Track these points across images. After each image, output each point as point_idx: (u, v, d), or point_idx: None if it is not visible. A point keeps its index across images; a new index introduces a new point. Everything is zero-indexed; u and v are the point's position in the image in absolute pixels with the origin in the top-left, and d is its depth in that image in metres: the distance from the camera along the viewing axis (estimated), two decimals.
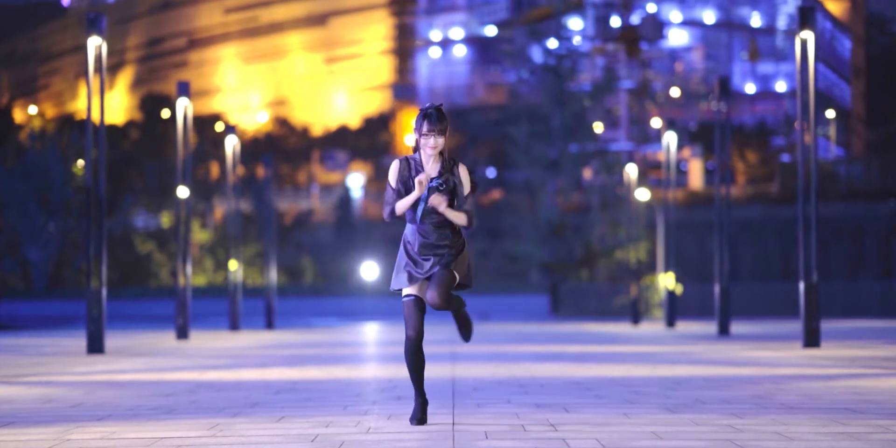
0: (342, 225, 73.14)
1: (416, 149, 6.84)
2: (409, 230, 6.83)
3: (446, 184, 6.73)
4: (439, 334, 23.57)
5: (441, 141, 6.75)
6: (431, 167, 6.79)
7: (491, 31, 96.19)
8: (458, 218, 6.75)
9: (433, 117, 6.73)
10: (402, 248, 6.87)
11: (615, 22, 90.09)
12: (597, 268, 52.67)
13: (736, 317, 37.83)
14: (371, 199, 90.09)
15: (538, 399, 8.51)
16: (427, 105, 6.81)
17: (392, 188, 6.81)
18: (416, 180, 6.68)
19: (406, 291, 6.80)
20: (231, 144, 30.36)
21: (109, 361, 14.64)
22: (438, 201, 6.66)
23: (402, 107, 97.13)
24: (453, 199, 6.79)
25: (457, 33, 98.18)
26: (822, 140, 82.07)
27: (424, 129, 6.73)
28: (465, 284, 6.88)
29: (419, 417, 6.83)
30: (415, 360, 6.77)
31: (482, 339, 20.24)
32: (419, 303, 6.76)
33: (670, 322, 29.74)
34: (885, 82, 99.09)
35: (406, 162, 6.82)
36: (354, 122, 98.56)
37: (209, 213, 68.31)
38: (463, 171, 6.86)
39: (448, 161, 6.82)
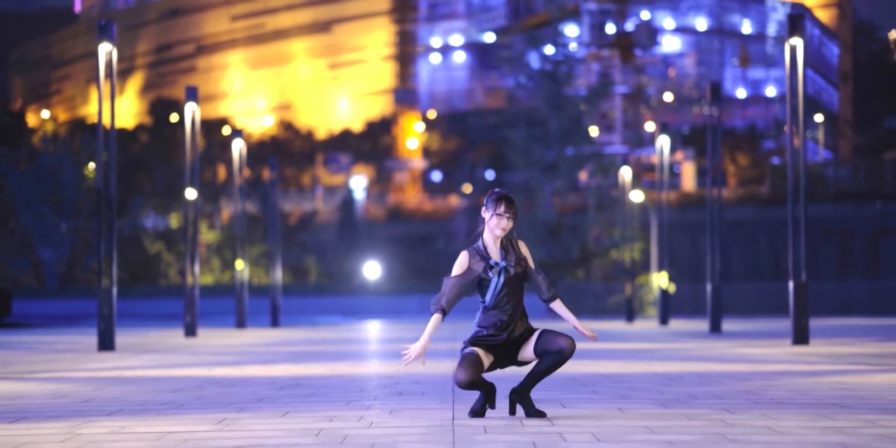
0: (345, 225, 73.10)
1: (479, 235, 6.77)
2: (483, 318, 6.72)
3: (516, 260, 6.69)
4: (438, 332, 23.55)
5: (511, 225, 6.72)
6: (494, 251, 6.72)
7: (490, 37, 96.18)
8: (562, 310, 6.78)
9: (512, 201, 6.71)
10: (474, 334, 6.73)
11: (610, 29, 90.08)
12: (593, 267, 52.68)
13: (727, 315, 37.84)
14: (373, 200, 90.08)
15: (535, 394, 8.50)
16: (497, 190, 6.75)
17: (450, 277, 6.69)
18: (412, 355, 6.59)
19: (473, 348, 6.71)
20: (237, 147, 30.36)
21: (119, 358, 14.64)
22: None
23: (404, 111, 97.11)
24: (524, 278, 6.73)
25: (456, 40, 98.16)
26: (810, 143, 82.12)
27: (501, 209, 6.68)
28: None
29: (480, 411, 6.85)
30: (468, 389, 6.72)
31: None
32: (479, 359, 6.64)
33: (664, 320, 29.75)
34: (872, 87, 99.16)
35: (474, 251, 6.73)
36: (357, 125, 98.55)
37: (216, 214, 68.29)
38: (523, 247, 6.81)
39: (506, 241, 6.77)
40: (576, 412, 7.17)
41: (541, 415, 6.77)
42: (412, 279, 62.38)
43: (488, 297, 6.67)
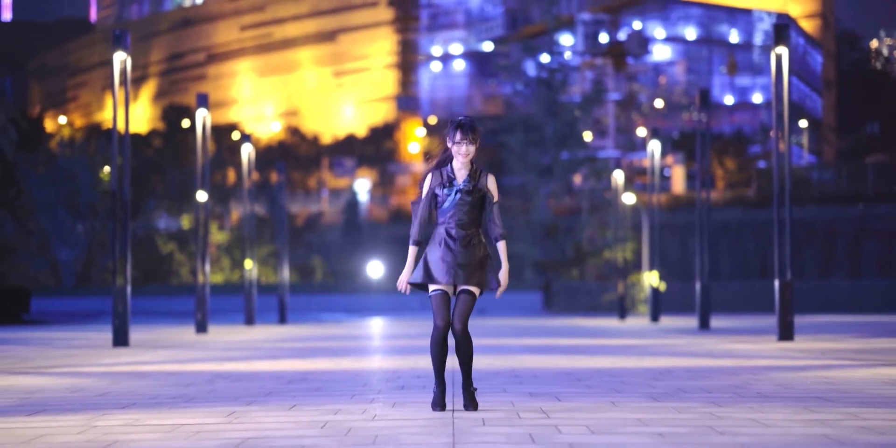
0: (349, 226, 73.09)
1: (447, 160, 6.84)
2: (437, 234, 6.84)
3: (473, 186, 6.74)
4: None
5: (472, 149, 6.77)
6: (461, 174, 6.80)
7: (488, 46, 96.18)
8: (503, 254, 6.87)
9: (466, 127, 6.74)
10: (428, 249, 6.84)
11: (603, 38, 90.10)
12: (586, 267, 52.65)
13: (715, 312, 37.85)
14: (376, 202, 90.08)
15: (532, 388, 8.51)
16: (458, 117, 6.82)
17: (420, 198, 6.84)
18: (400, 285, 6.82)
19: (433, 287, 6.79)
20: (246, 152, 30.36)
21: (133, 354, 14.63)
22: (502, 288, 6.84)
23: (406, 117, 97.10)
24: (482, 205, 6.78)
25: (456, 49, 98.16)
26: (795, 148, 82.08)
27: (458, 137, 6.74)
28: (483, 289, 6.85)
29: (441, 403, 6.87)
30: (439, 349, 6.80)
31: (481, 333, 20.24)
32: (446, 296, 6.78)
33: (655, 317, 29.74)
34: (854, 94, 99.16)
35: (438, 173, 6.84)
36: (361, 131, 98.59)
37: (226, 215, 68.23)
38: (491, 181, 6.86)
39: (475, 170, 6.82)
40: (571, 405, 7.18)
41: (474, 407, 6.83)
42: None
43: (440, 210, 6.78)
